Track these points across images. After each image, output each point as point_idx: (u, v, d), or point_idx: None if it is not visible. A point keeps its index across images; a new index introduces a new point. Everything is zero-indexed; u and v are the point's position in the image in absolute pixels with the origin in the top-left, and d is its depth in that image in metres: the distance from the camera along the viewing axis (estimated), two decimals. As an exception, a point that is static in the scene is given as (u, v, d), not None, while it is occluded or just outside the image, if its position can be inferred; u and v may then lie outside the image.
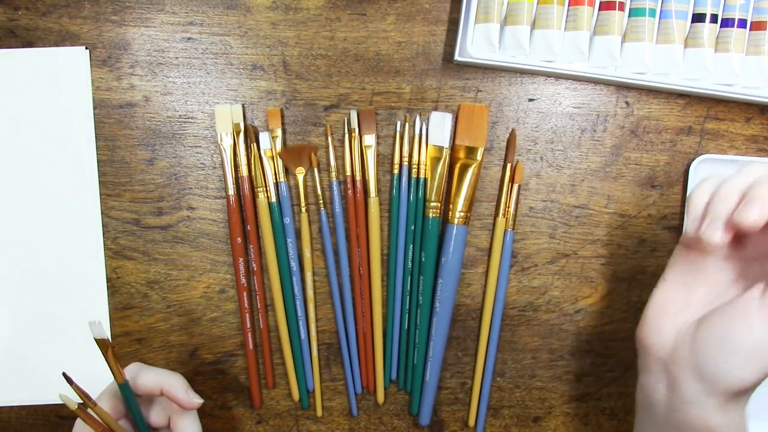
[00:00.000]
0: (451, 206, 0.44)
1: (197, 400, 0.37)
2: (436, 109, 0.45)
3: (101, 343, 0.35)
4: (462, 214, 0.44)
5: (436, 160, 0.44)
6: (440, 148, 0.44)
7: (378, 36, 0.45)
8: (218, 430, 0.48)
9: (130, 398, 0.37)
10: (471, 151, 0.44)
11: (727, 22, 0.43)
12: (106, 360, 0.35)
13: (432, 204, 0.45)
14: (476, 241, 0.46)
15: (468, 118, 0.44)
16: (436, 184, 0.45)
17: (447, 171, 0.45)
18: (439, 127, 0.44)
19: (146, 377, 0.37)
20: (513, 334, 0.47)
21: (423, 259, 0.46)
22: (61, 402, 0.34)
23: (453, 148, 0.45)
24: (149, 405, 0.39)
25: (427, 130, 0.45)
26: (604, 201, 0.46)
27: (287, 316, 0.46)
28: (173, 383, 0.37)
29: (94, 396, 0.37)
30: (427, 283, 0.45)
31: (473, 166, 0.44)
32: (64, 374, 0.34)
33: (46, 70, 0.45)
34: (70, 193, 0.45)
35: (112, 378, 0.36)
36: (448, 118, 0.44)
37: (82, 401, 0.35)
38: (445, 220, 0.45)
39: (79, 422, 0.37)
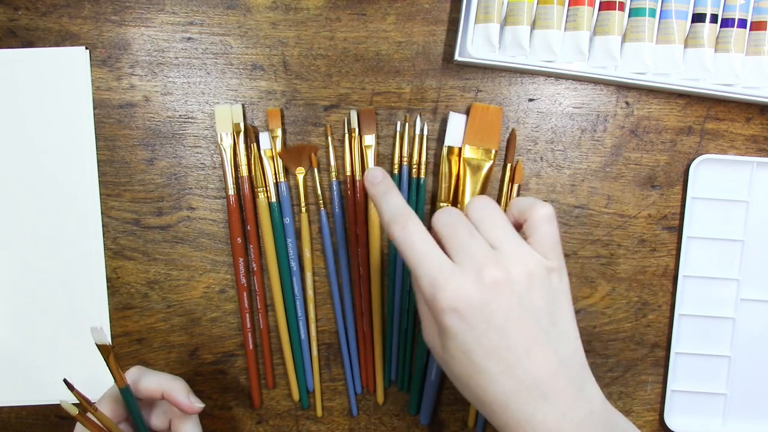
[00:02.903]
0: (459, 207, 0.44)
1: (198, 405, 0.37)
2: (436, 109, 0.45)
3: (103, 348, 0.35)
4: None
5: (449, 160, 0.44)
6: (454, 149, 0.44)
7: (378, 36, 0.45)
8: (218, 430, 0.48)
9: (131, 402, 0.37)
10: (483, 152, 0.44)
11: (727, 22, 0.43)
12: (107, 365, 0.35)
13: (442, 204, 0.45)
14: (476, 241, 0.46)
15: (481, 119, 0.44)
16: (446, 184, 0.44)
17: (458, 172, 0.45)
18: (456, 128, 0.44)
19: (147, 381, 0.37)
20: (513, 334, 0.47)
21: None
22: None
23: (463, 148, 0.44)
24: (150, 408, 0.39)
25: (444, 130, 0.45)
26: (604, 201, 0.46)
27: (287, 316, 0.46)
28: (174, 387, 0.37)
29: (94, 398, 0.37)
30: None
31: (485, 168, 0.44)
32: (65, 380, 0.34)
33: (46, 70, 0.45)
34: (70, 193, 0.45)
35: (112, 380, 0.36)
36: (464, 119, 0.44)
37: (81, 405, 0.35)
38: None
39: (79, 426, 0.37)
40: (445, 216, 0.34)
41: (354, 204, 0.45)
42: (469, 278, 0.32)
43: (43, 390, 0.47)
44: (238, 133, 0.44)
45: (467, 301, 0.31)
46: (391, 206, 0.35)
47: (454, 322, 0.32)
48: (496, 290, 0.31)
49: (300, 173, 0.45)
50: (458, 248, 0.33)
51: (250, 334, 0.46)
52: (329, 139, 0.45)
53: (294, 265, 0.46)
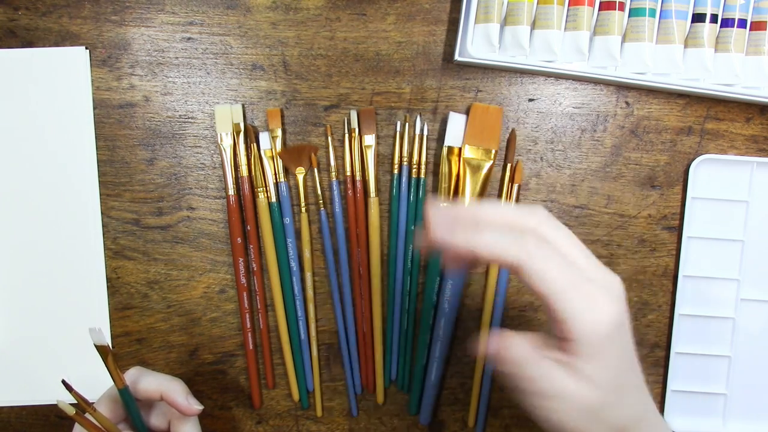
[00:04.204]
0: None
1: (197, 407, 0.37)
2: (436, 109, 0.45)
3: (101, 349, 0.35)
4: None
5: (449, 160, 0.44)
6: (454, 149, 0.44)
7: (378, 36, 0.45)
8: (218, 430, 0.48)
9: (130, 403, 0.37)
10: (483, 152, 0.44)
11: (727, 22, 0.43)
12: (105, 366, 0.35)
13: (442, 205, 0.45)
14: (476, 241, 0.46)
15: (480, 119, 0.44)
16: (446, 184, 0.44)
17: (458, 172, 0.45)
18: (456, 128, 0.44)
19: (146, 382, 0.37)
20: (513, 334, 0.47)
21: (428, 259, 0.46)
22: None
23: (462, 148, 0.44)
24: (149, 409, 0.39)
25: (444, 130, 0.45)
26: (604, 201, 0.46)
27: (287, 316, 0.46)
28: (173, 389, 0.37)
29: (94, 398, 0.37)
30: (432, 282, 0.45)
31: (485, 168, 0.44)
32: (63, 381, 0.34)
33: (46, 70, 0.45)
34: (70, 193, 0.45)
35: (112, 381, 0.36)
36: (464, 119, 0.44)
37: (78, 405, 0.35)
38: None
39: (78, 427, 0.37)
40: (562, 229, 0.32)
41: (354, 204, 0.45)
42: (603, 294, 0.30)
43: (43, 390, 0.47)
44: (238, 133, 0.44)
45: (613, 317, 0.30)
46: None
47: (611, 337, 0.30)
48: (622, 307, 0.31)
49: (300, 173, 0.45)
50: (577, 268, 0.32)
51: (250, 334, 0.46)
52: (329, 139, 0.45)
53: (294, 265, 0.46)
